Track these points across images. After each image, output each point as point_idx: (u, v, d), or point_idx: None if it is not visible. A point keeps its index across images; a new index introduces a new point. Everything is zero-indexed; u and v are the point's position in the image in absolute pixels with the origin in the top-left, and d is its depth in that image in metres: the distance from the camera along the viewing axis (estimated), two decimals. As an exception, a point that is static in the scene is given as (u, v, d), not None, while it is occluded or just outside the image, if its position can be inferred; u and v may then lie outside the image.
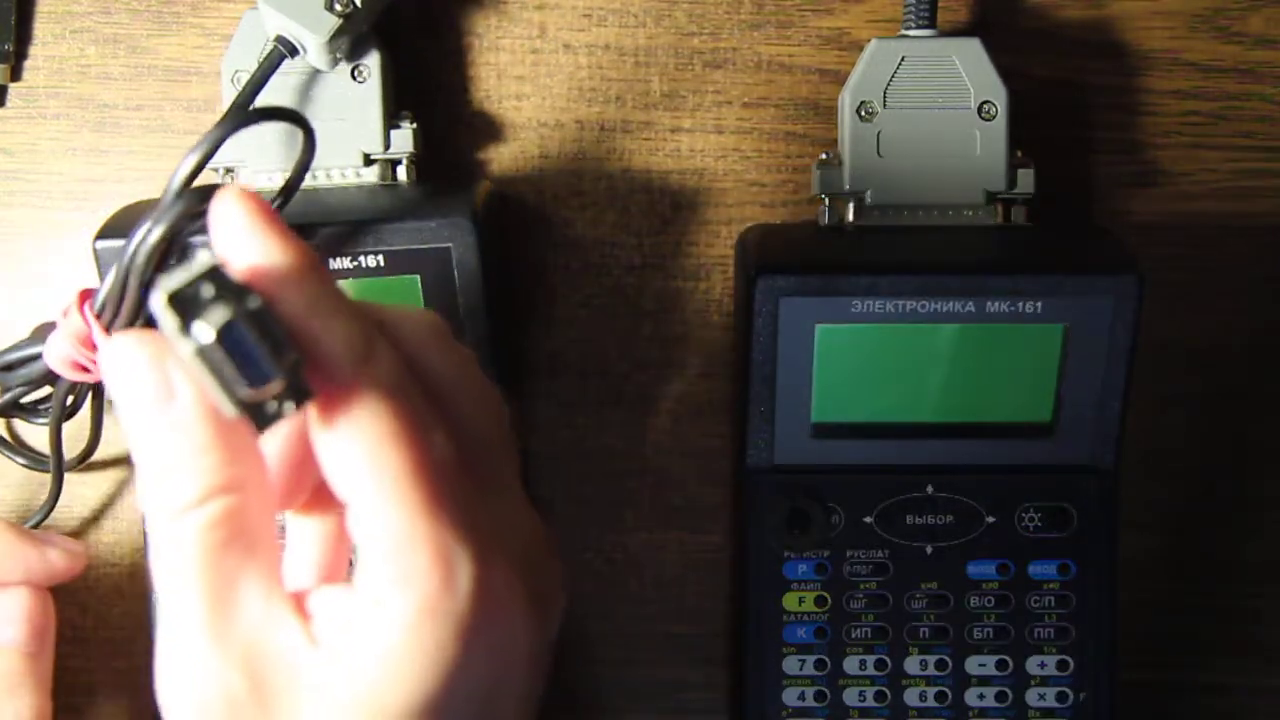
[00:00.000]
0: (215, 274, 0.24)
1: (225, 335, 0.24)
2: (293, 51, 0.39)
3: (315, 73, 0.40)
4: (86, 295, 0.36)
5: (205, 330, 0.24)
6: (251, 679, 0.26)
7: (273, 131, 0.40)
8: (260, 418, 0.25)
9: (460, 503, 0.27)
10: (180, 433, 0.27)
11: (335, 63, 0.40)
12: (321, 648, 0.27)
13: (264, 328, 0.24)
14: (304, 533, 0.31)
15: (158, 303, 0.24)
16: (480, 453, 0.29)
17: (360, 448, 0.26)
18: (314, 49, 0.39)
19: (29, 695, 0.42)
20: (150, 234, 0.28)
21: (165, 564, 0.27)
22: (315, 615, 0.27)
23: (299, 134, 0.41)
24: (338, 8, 0.39)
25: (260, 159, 0.40)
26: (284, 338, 0.24)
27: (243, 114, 0.31)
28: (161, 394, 0.27)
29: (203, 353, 0.24)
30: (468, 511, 0.27)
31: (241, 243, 0.26)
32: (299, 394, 0.25)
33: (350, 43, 0.40)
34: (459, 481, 0.27)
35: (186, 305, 0.24)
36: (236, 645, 0.26)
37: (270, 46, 0.39)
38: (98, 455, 0.44)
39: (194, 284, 0.24)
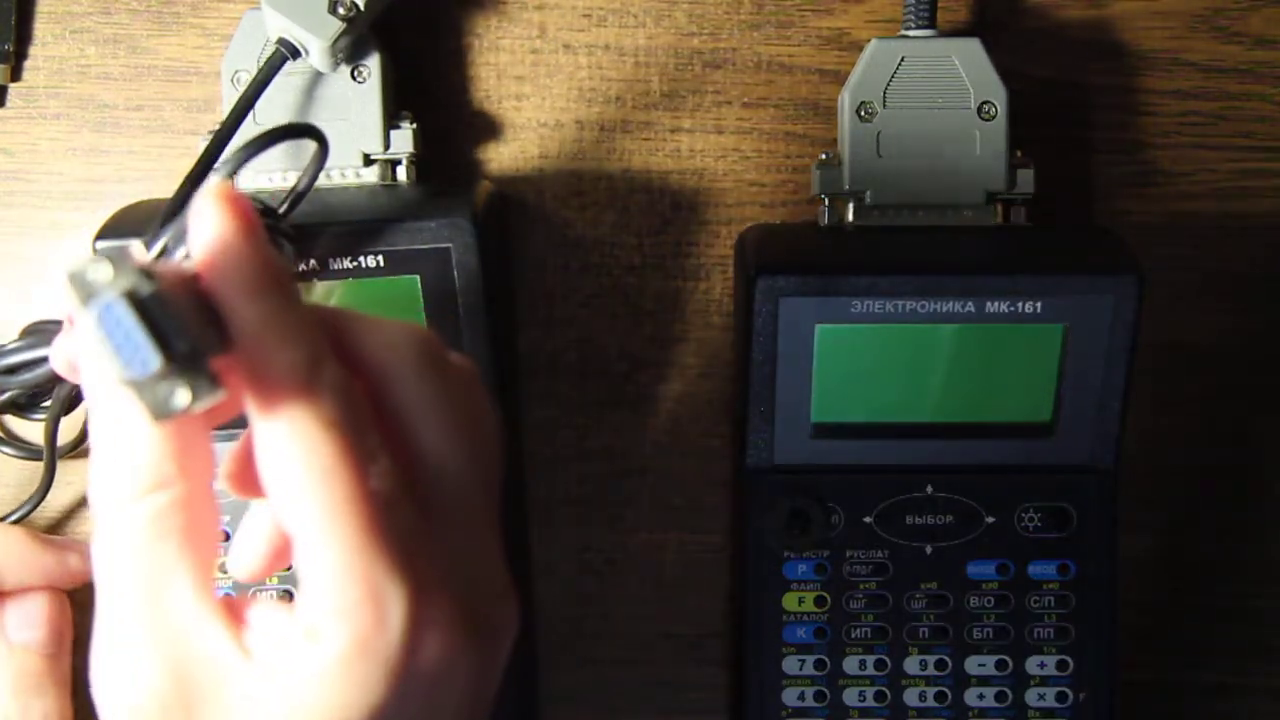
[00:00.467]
0: (116, 257, 0.24)
1: (105, 316, 0.24)
2: (295, 54, 0.39)
3: (315, 73, 0.40)
4: None
5: (90, 311, 0.24)
6: (177, 677, 0.26)
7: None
8: (154, 405, 0.24)
9: (399, 535, 0.26)
10: (130, 423, 0.26)
11: (337, 65, 0.40)
12: (255, 661, 0.27)
13: (151, 313, 0.24)
14: (259, 521, 0.31)
15: (61, 283, 0.24)
16: (437, 481, 0.28)
17: (295, 477, 0.26)
18: (317, 52, 0.39)
19: (50, 696, 0.42)
20: (174, 254, 0.28)
21: (103, 554, 0.27)
22: (253, 628, 0.27)
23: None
24: (341, 10, 0.39)
25: (260, 160, 0.40)
26: (179, 327, 0.24)
27: (266, 135, 0.32)
28: (116, 383, 0.26)
29: (91, 332, 0.24)
30: (407, 544, 0.26)
31: (207, 248, 0.26)
32: (197, 387, 0.24)
33: (352, 44, 0.40)
34: (399, 513, 0.27)
35: (82, 286, 0.24)
36: (164, 642, 0.26)
37: (272, 48, 0.39)
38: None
39: (92, 267, 0.24)
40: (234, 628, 0.27)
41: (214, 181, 0.29)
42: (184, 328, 0.24)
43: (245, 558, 0.31)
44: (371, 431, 0.27)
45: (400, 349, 0.28)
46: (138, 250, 0.25)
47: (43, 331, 0.43)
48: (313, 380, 0.26)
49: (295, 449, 0.26)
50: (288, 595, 0.42)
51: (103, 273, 0.24)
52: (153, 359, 0.24)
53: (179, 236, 0.30)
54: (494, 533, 0.29)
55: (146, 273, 0.24)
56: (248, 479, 0.28)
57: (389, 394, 0.28)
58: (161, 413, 0.24)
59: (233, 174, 0.31)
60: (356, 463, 0.26)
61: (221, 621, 0.27)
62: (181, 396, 0.24)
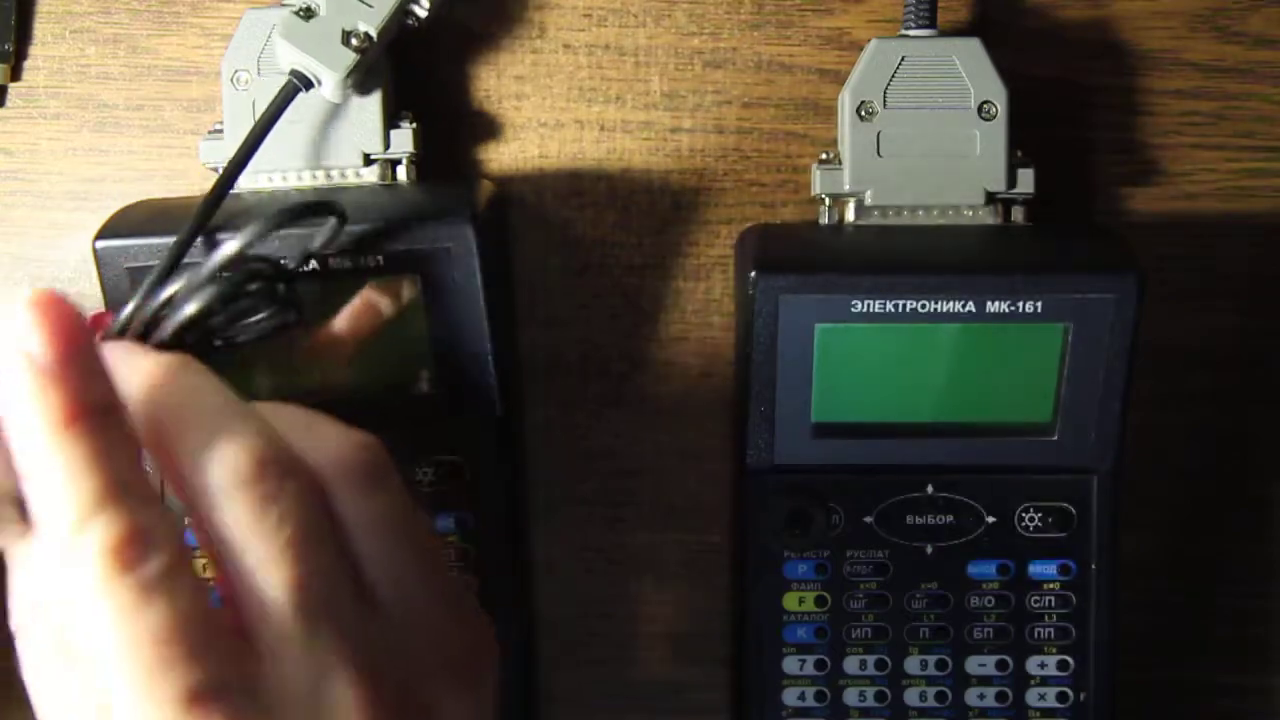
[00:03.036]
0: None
1: None
2: (308, 85, 0.39)
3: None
4: (100, 321, 0.36)
5: None
6: None
7: (272, 134, 0.40)
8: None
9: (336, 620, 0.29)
10: None
11: (348, 95, 0.40)
12: None
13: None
14: None
15: None
16: (376, 587, 0.30)
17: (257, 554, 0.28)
18: (330, 83, 0.39)
19: None
20: (183, 310, 0.31)
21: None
22: None
23: (297, 134, 0.41)
24: (354, 42, 0.39)
25: (259, 160, 0.40)
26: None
27: (287, 211, 0.33)
28: None
29: None
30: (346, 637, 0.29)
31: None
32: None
33: (364, 74, 0.40)
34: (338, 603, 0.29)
35: None
36: None
37: (285, 80, 0.39)
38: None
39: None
40: None
41: (233, 248, 0.33)
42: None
43: None
44: (328, 540, 0.29)
45: (341, 464, 0.30)
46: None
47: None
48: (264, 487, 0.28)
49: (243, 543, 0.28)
50: None
51: None
52: None
53: (195, 295, 0.32)
54: (451, 619, 0.31)
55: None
56: None
57: (330, 502, 0.30)
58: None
59: (252, 244, 0.32)
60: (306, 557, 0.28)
61: None
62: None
